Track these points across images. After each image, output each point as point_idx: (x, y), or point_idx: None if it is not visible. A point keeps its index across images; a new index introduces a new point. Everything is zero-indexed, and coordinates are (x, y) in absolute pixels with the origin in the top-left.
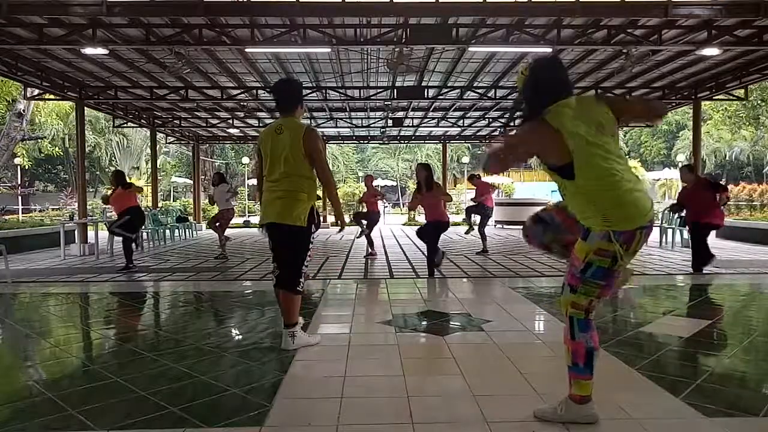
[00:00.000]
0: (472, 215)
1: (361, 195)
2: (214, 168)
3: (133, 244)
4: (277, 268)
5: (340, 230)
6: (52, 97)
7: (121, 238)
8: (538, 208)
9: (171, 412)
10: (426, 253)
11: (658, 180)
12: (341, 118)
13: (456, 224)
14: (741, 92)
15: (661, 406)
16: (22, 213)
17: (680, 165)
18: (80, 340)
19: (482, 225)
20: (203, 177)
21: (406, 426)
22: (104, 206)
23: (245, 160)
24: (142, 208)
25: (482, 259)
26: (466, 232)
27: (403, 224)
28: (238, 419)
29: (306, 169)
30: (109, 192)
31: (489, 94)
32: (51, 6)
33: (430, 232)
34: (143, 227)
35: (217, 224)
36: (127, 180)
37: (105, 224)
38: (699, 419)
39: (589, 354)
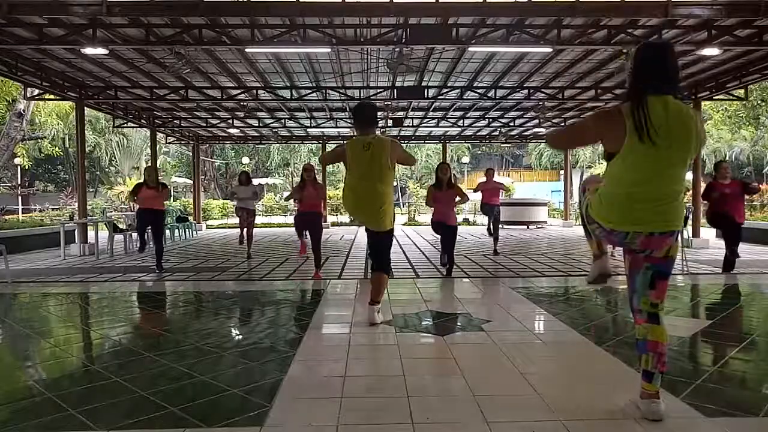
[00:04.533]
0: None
1: None
2: (215, 168)
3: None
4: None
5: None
6: (52, 97)
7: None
8: (539, 208)
9: (171, 412)
10: (441, 251)
11: None
12: (341, 118)
13: (458, 224)
14: (741, 92)
15: None
16: (22, 213)
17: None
18: (80, 340)
19: (495, 224)
20: (203, 177)
21: (406, 426)
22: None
23: (245, 160)
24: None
25: (482, 259)
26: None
27: (403, 224)
28: (238, 419)
29: (391, 176)
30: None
31: (489, 94)
32: (51, 6)
33: (445, 237)
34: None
35: (247, 229)
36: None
37: (106, 224)
38: (699, 419)
39: (583, 221)
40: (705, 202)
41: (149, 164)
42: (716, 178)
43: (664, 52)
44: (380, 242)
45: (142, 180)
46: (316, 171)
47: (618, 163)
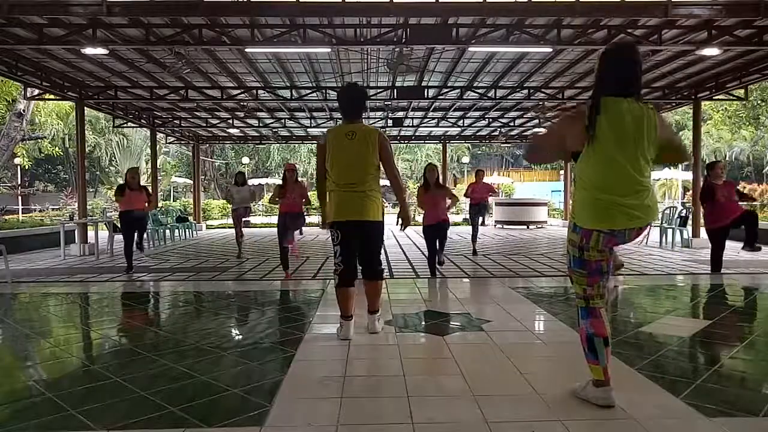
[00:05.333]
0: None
1: None
2: (215, 168)
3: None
4: (344, 262)
5: (404, 227)
6: (52, 97)
7: (122, 239)
8: (539, 208)
9: (171, 412)
10: (427, 253)
11: (658, 180)
12: (341, 118)
13: (456, 224)
14: (741, 92)
15: (661, 406)
16: (22, 213)
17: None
18: (80, 340)
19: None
20: (203, 177)
21: (406, 426)
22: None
23: (245, 159)
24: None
25: (482, 259)
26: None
27: None
28: (238, 419)
29: (377, 170)
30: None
31: (489, 94)
32: (51, 6)
33: (439, 236)
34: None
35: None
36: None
37: (106, 224)
38: (699, 419)
39: (589, 340)
40: (703, 206)
41: (134, 166)
42: (710, 177)
43: (624, 55)
44: (368, 238)
45: (124, 182)
46: (298, 172)
47: (583, 164)
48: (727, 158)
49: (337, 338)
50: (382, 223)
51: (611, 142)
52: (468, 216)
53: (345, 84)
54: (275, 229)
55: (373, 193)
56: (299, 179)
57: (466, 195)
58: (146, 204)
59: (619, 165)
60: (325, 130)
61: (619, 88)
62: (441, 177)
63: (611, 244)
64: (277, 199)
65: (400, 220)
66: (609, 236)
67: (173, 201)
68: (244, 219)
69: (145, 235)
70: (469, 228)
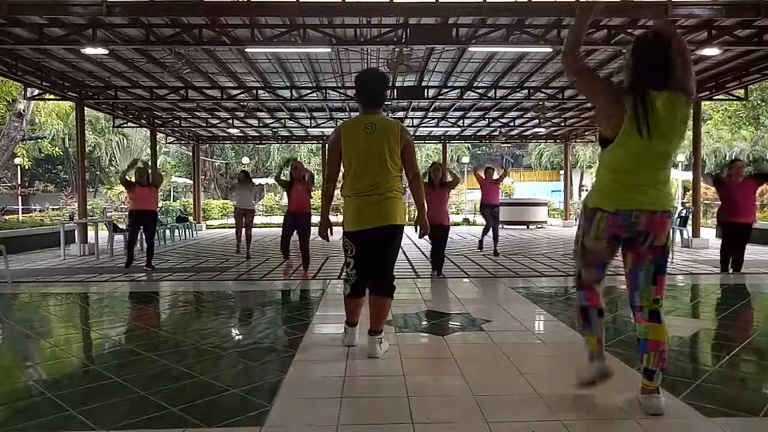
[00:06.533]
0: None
1: None
2: (215, 168)
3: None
4: (358, 274)
5: (423, 234)
6: (52, 97)
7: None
8: (539, 208)
9: (171, 412)
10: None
11: None
12: (341, 118)
13: (456, 224)
14: (741, 92)
15: None
16: (22, 213)
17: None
18: (80, 340)
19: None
20: (203, 177)
21: (406, 426)
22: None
23: (245, 159)
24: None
25: (482, 259)
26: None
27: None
28: (238, 419)
29: (400, 169)
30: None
31: (489, 94)
32: (51, 6)
33: (437, 237)
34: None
35: (246, 229)
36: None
37: (106, 224)
38: (699, 419)
39: (582, 311)
40: (715, 191)
41: (139, 165)
42: (730, 176)
43: (663, 44)
44: (387, 246)
45: (134, 180)
46: (307, 173)
47: (613, 151)
48: (727, 158)
49: (342, 343)
50: (401, 231)
51: (646, 137)
52: (481, 214)
53: (364, 69)
54: (276, 229)
55: (397, 194)
56: (305, 177)
57: (479, 180)
58: (156, 200)
59: (648, 161)
60: (325, 130)
61: (656, 80)
62: (443, 176)
63: (613, 229)
64: (282, 178)
65: (417, 227)
66: (613, 217)
67: (173, 201)
68: (246, 220)
69: (155, 236)
70: (469, 228)
